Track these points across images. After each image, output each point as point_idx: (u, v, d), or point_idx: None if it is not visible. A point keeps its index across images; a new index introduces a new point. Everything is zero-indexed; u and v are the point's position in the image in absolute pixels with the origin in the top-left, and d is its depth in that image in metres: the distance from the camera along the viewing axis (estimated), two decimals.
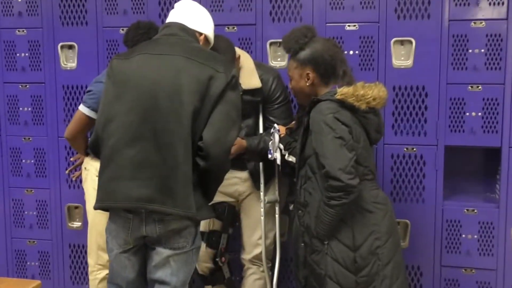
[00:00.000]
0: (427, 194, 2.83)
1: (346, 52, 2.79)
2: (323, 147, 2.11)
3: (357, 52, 2.81)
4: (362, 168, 2.17)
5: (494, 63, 2.72)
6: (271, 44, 2.88)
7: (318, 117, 2.13)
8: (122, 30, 2.89)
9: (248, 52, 2.82)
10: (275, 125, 2.52)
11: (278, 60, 2.90)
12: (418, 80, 2.77)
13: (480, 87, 2.75)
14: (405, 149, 2.83)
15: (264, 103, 2.62)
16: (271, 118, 2.62)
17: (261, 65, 2.66)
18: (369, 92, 2.14)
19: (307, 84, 2.26)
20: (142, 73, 2.00)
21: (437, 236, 2.85)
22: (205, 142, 1.96)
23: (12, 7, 3.14)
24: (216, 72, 1.98)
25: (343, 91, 2.13)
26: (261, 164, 2.62)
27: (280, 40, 2.40)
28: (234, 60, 2.48)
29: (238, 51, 2.57)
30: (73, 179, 3.00)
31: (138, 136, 1.96)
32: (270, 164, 2.59)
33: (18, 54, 3.15)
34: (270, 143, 2.48)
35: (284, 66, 2.78)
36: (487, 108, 2.75)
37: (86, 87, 2.67)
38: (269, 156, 2.47)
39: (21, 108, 3.19)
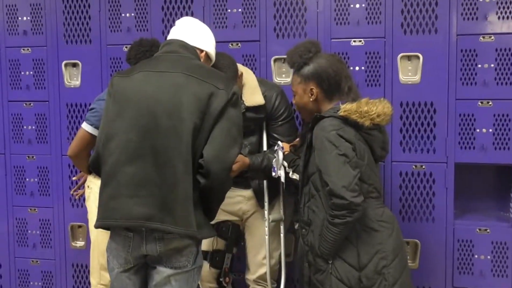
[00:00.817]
0: (437, 213, 2.76)
1: (351, 68, 2.75)
2: (327, 164, 2.06)
3: (363, 68, 2.76)
4: (367, 186, 2.12)
5: (504, 78, 2.67)
6: (275, 60, 2.86)
7: (321, 134, 2.09)
8: (126, 47, 2.89)
9: (252, 68, 2.80)
10: (279, 142, 2.48)
11: (283, 77, 2.87)
12: (426, 96, 2.72)
13: (490, 103, 2.68)
14: (413, 166, 2.77)
15: (268, 120, 2.59)
16: (275, 135, 2.58)
17: (264, 82, 2.63)
18: (373, 108, 2.10)
19: (311, 99, 2.22)
20: (142, 90, 1.99)
21: (448, 256, 2.77)
22: (206, 159, 1.93)
23: (18, 26, 3.15)
24: (217, 89, 1.96)
25: (346, 108, 2.09)
26: (265, 182, 2.58)
27: (285, 56, 2.37)
28: (236, 77, 2.45)
29: (241, 68, 2.54)
30: (76, 197, 2.97)
31: (138, 154, 1.94)
32: (274, 182, 2.56)
33: (22, 73, 3.16)
34: (273, 160, 2.45)
35: (289, 83, 2.73)
36: (498, 124, 2.69)
37: (90, 105, 2.65)
38: (273, 173, 2.44)
39: (25, 127, 3.18)
